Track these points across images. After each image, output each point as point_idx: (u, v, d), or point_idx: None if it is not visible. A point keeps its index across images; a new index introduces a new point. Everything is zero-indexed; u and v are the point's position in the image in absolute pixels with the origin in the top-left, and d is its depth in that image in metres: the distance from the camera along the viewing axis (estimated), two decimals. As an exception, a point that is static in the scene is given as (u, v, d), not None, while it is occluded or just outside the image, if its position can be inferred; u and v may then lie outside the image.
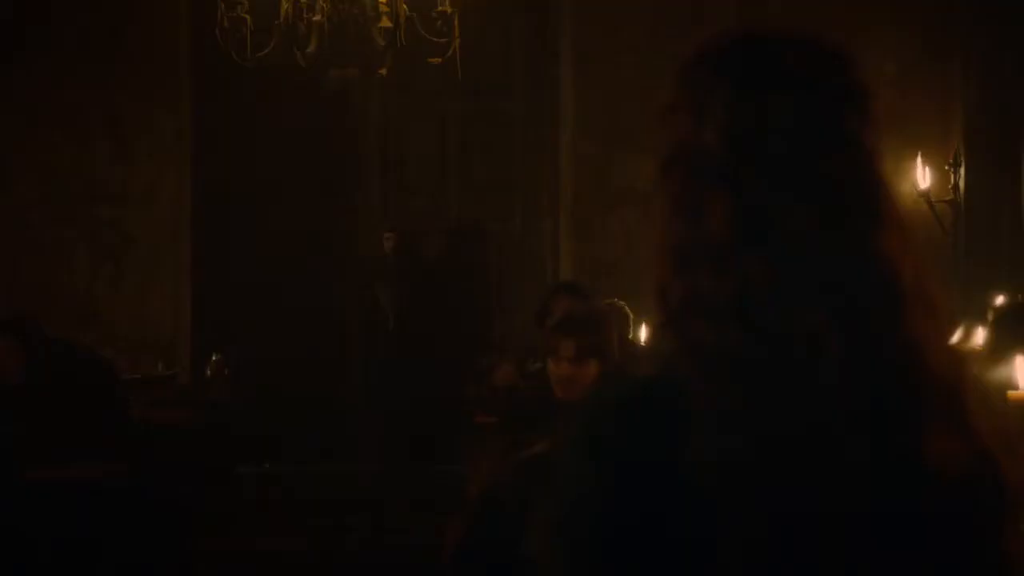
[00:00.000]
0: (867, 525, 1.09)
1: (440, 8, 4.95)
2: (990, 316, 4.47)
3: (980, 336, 4.03)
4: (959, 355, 1.17)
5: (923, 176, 6.47)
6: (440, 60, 4.98)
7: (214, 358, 5.98)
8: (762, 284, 1.10)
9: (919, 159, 6.43)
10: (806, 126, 1.13)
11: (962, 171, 6.69)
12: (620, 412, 1.12)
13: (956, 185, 6.70)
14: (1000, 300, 5.33)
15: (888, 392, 1.10)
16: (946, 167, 6.67)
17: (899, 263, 1.13)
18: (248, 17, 4.67)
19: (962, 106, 6.69)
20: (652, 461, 1.09)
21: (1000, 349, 3.32)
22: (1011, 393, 2.75)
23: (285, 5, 4.61)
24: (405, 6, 4.86)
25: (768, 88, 1.14)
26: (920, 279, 1.13)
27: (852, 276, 1.11)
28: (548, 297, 5.15)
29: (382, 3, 4.74)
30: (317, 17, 4.64)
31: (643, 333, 5.15)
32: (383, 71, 5.03)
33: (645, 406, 1.12)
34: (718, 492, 1.07)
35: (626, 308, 5.16)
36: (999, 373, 2.94)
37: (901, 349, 1.11)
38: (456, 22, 4.96)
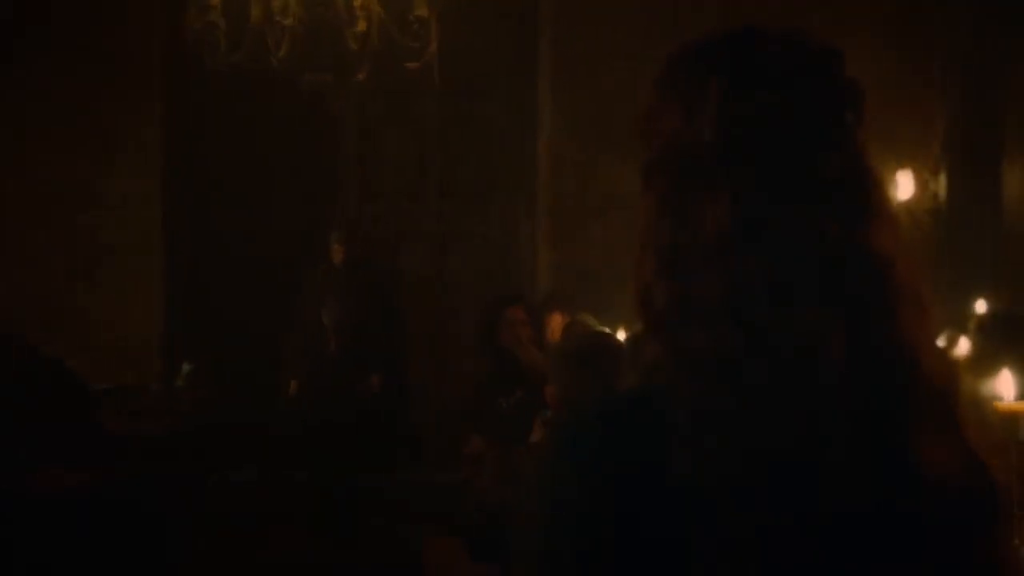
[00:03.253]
0: (864, 531, 1.07)
1: (417, 12, 4.91)
2: (971, 325, 4.45)
3: (963, 345, 4.00)
4: (950, 358, 1.16)
5: (903, 185, 6.46)
6: (417, 65, 4.93)
7: (185, 368, 5.91)
8: (758, 284, 1.08)
9: (899, 168, 6.42)
10: (802, 124, 1.13)
11: (942, 180, 6.67)
12: (602, 424, 1.10)
13: (936, 194, 6.69)
14: (981, 309, 5.31)
15: (885, 394, 1.09)
16: (926, 176, 6.66)
17: (893, 261, 1.12)
18: (221, 22, 4.61)
19: (942, 115, 6.68)
20: (636, 474, 1.07)
21: (983, 358, 3.29)
22: (997, 404, 2.71)
23: (256, 10, 4.54)
24: (380, 9, 4.81)
25: (762, 85, 1.13)
26: (913, 278, 1.13)
27: (850, 275, 1.10)
28: (540, 311, 5.09)
29: (357, 7, 4.69)
30: (289, 21, 4.58)
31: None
32: (360, 76, 4.97)
33: (628, 417, 1.10)
34: (711, 501, 1.04)
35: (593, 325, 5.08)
36: (983, 383, 2.91)
37: (898, 350, 1.10)
38: (433, 26, 4.91)
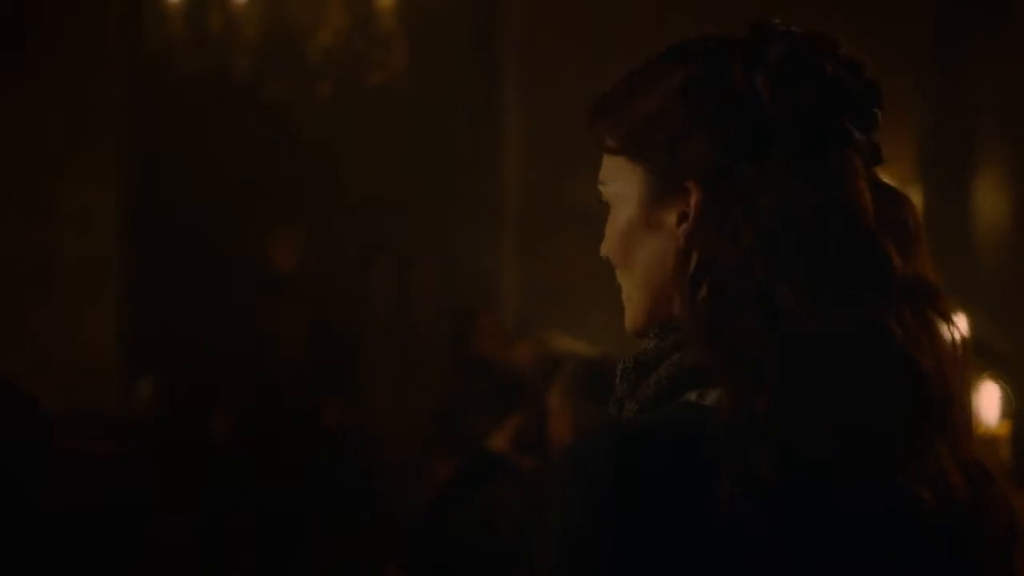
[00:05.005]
0: (897, 549, 1.07)
1: (383, 25, 4.84)
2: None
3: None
4: (964, 367, 1.15)
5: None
6: (382, 78, 4.87)
7: (143, 385, 5.82)
8: (796, 283, 1.08)
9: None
10: (845, 126, 1.15)
11: (914, 194, 6.64)
12: (619, 451, 1.08)
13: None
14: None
15: (907, 403, 1.09)
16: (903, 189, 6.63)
17: (901, 257, 1.13)
18: (180, 31, 4.52)
19: (916, 130, 6.65)
20: (679, 502, 1.04)
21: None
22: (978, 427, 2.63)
23: (216, 19, 4.46)
24: (345, 22, 4.74)
25: (810, 85, 1.15)
26: (928, 274, 1.15)
27: (873, 274, 1.11)
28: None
29: (320, 18, 4.62)
30: (249, 31, 4.50)
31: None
32: (324, 88, 4.90)
33: (650, 441, 1.08)
34: (759, 522, 1.03)
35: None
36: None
37: (919, 353, 1.10)
38: (399, 40, 4.85)
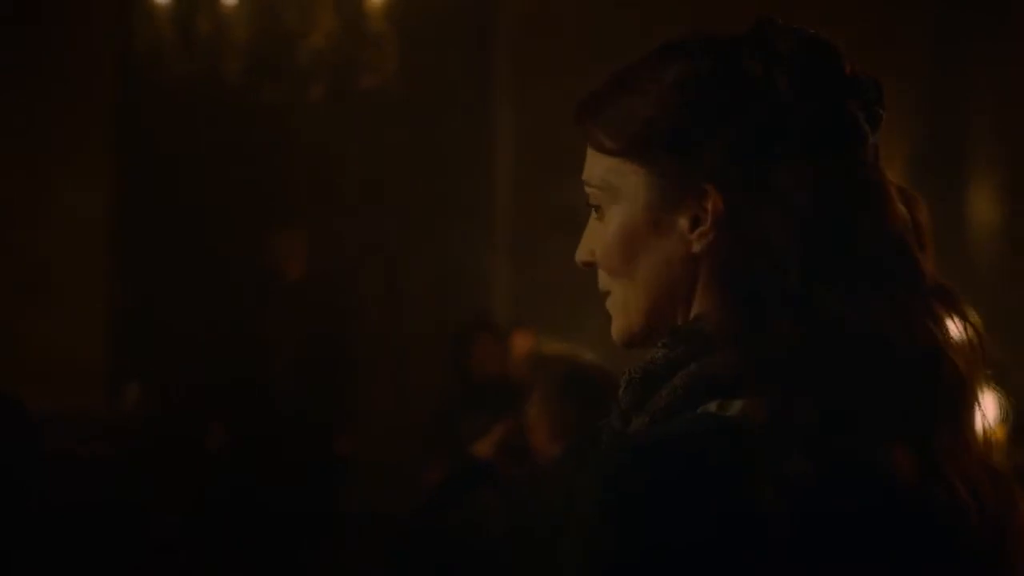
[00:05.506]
0: (932, 550, 1.06)
1: (375, 28, 4.83)
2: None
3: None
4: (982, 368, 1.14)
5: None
6: (375, 81, 4.85)
7: (131, 389, 5.79)
8: (833, 281, 1.06)
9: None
10: (860, 123, 1.14)
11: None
12: (648, 465, 1.04)
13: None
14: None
15: (943, 404, 1.08)
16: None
17: (922, 256, 1.13)
18: (169, 34, 4.50)
19: (909, 132, 6.64)
20: (724, 511, 1.01)
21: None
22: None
23: (205, 22, 4.44)
24: (335, 25, 4.72)
25: (829, 78, 1.13)
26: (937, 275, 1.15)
27: (905, 273, 1.10)
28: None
29: (311, 21, 4.60)
30: (239, 34, 4.48)
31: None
32: (315, 91, 4.89)
33: (678, 453, 1.04)
34: (790, 524, 1.01)
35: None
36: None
37: (953, 355, 1.10)
38: (391, 42, 4.83)
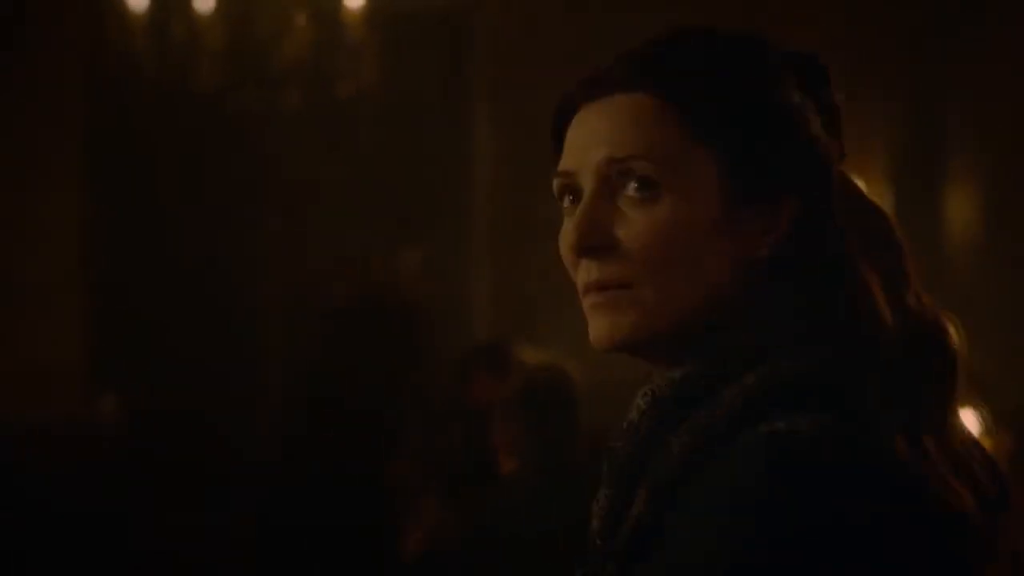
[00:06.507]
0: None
1: (349, 36, 4.80)
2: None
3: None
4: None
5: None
6: (351, 89, 4.82)
7: (108, 400, 5.75)
8: (892, 285, 1.09)
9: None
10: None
11: (884, 200, 6.64)
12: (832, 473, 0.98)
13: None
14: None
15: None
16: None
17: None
18: (141, 41, 4.46)
19: (886, 136, 6.65)
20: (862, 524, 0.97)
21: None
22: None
23: (178, 29, 4.40)
24: (311, 32, 4.69)
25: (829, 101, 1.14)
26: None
27: (913, 275, 1.14)
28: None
29: (286, 28, 4.57)
30: (212, 40, 4.44)
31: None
32: (291, 99, 4.86)
33: (824, 453, 0.98)
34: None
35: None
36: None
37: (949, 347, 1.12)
38: (368, 50, 4.81)
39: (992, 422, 2.61)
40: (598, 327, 1.07)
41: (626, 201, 1.07)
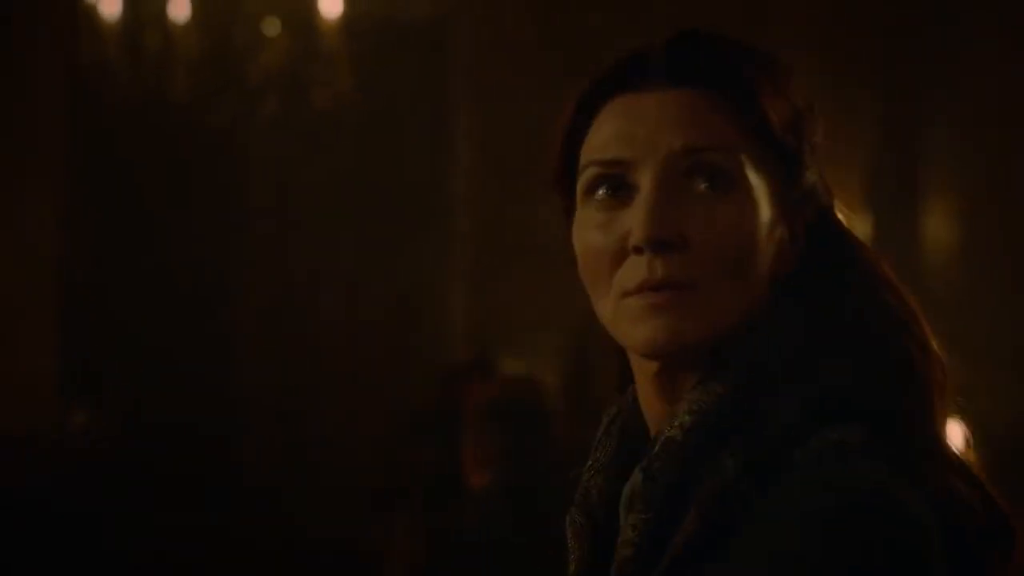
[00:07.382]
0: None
1: (326, 46, 4.79)
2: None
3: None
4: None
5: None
6: (329, 100, 4.81)
7: (79, 414, 5.71)
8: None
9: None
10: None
11: (862, 219, 6.64)
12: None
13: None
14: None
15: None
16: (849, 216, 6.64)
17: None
18: (116, 53, 4.43)
19: (864, 155, 6.66)
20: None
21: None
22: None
23: (152, 41, 4.37)
24: (288, 42, 4.68)
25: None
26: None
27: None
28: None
29: (262, 39, 4.55)
30: (187, 50, 4.42)
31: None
32: (267, 110, 4.84)
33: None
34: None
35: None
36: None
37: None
38: (345, 60, 4.79)
39: (973, 436, 2.60)
40: (655, 328, 0.99)
41: (694, 196, 1.01)
